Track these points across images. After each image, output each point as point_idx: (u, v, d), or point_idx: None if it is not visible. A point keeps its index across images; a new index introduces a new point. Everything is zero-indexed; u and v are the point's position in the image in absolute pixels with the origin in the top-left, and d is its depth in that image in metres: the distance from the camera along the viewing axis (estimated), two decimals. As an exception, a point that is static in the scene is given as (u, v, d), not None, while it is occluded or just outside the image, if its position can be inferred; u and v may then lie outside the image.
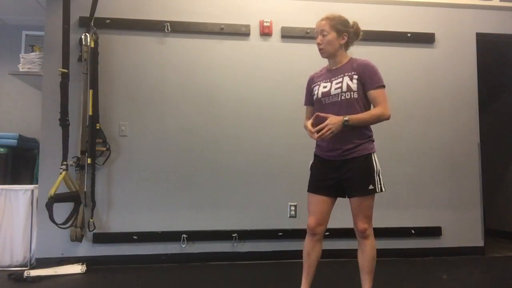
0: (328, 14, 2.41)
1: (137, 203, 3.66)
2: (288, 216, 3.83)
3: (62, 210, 3.52)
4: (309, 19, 4.02)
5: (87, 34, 3.58)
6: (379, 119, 2.23)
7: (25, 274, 3.10)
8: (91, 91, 3.56)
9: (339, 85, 2.29)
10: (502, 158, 5.08)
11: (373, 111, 2.23)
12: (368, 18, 4.07)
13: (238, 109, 3.88)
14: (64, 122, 3.36)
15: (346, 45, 2.40)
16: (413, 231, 3.92)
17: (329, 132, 2.13)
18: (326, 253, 3.86)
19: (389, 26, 4.10)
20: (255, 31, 3.93)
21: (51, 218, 3.10)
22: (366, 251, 2.30)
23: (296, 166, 3.85)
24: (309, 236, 2.39)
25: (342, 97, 2.26)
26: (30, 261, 3.50)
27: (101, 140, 3.60)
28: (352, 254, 3.80)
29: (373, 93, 2.25)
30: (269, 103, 3.90)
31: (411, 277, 3.28)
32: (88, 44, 3.57)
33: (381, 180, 2.25)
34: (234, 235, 3.71)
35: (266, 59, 3.94)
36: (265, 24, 3.93)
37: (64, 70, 3.30)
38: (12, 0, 4.14)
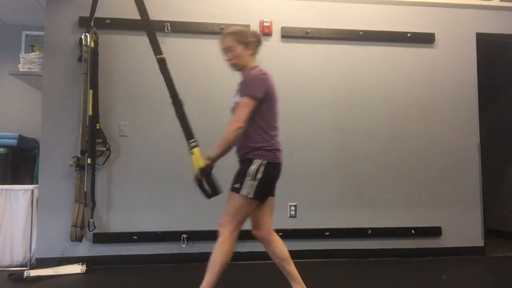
0: (227, 31, 2.44)
1: (137, 203, 3.66)
2: (288, 216, 3.83)
3: (62, 210, 3.53)
4: (309, 19, 4.03)
5: (87, 34, 3.58)
6: (230, 134, 2.21)
7: (25, 274, 3.10)
8: (91, 91, 3.56)
9: (234, 99, 2.35)
10: (502, 158, 5.08)
11: (225, 131, 2.25)
12: (368, 18, 4.08)
13: (238, 109, 3.87)
14: (178, 104, 3.11)
15: (253, 54, 2.43)
16: (413, 231, 3.92)
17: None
18: (326, 253, 3.89)
19: (389, 26, 4.10)
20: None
21: (207, 190, 2.59)
22: (214, 249, 2.28)
23: (296, 166, 3.86)
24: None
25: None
26: (30, 261, 3.50)
27: (101, 140, 3.59)
28: (352, 254, 3.83)
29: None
30: (269, 103, 3.89)
31: (411, 277, 3.28)
32: (88, 44, 3.56)
33: (253, 186, 2.21)
34: (234, 235, 3.70)
35: (266, 59, 3.90)
36: (265, 24, 3.92)
37: (161, 56, 3.09)
38: (12, 0, 4.14)
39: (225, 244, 2.26)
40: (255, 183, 2.20)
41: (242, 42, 2.33)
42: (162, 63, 3.02)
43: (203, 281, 2.19)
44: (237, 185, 2.23)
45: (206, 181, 2.43)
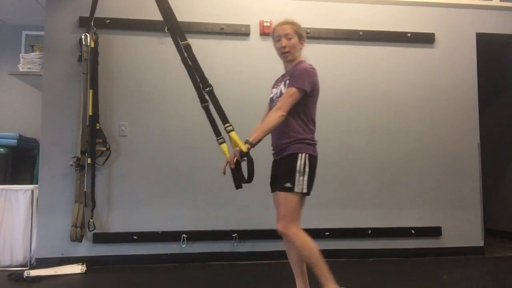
0: (287, 19, 2.40)
1: (137, 203, 3.66)
2: (288, 216, 3.82)
3: (62, 210, 3.52)
4: (309, 19, 4.03)
5: (87, 34, 3.58)
6: (274, 121, 2.22)
7: (25, 274, 3.10)
8: (91, 91, 3.56)
9: (276, 90, 2.38)
10: (502, 158, 5.08)
11: (269, 117, 2.26)
12: (368, 18, 4.08)
13: (238, 109, 3.86)
14: (208, 89, 3.02)
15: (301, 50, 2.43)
16: (413, 231, 3.92)
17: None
18: (326, 253, 3.88)
19: (389, 26, 4.09)
20: (255, 31, 3.93)
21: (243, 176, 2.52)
22: (296, 250, 2.30)
23: (296, 166, 3.86)
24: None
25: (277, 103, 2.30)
26: (30, 261, 3.50)
27: (101, 140, 3.59)
28: (352, 254, 3.83)
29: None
30: (269, 103, 3.90)
31: (411, 277, 3.28)
32: (88, 44, 3.56)
33: (304, 181, 2.23)
34: (234, 235, 3.71)
35: (266, 59, 3.93)
36: (265, 24, 3.93)
37: (186, 42, 2.98)
38: (12, 0, 4.14)
39: (300, 239, 2.24)
40: (305, 177, 2.24)
41: (298, 34, 2.35)
42: (188, 49, 2.91)
43: (318, 279, 2.22)
44: (288, 184, 2.22)
45: (246, 166, 2.39)
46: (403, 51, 4.11)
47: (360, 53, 4.06)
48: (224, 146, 2.60)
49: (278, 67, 3.92)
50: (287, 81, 2.30)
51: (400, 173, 3.99)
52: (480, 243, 4.03)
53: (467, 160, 4.09)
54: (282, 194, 2.26)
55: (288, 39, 2.33)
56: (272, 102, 2.41)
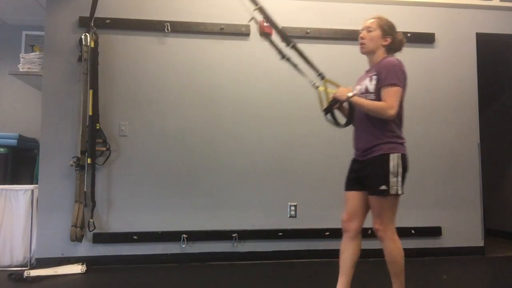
0: (378, 15, 2.41)
1: (137, 203, 3.66)
2: (288, 216, 3.83)
3: (62, 210, 3.52)
4: (309, 19, 4.03)
5: (87, 34, 3.58)
6: (379, 111, 2.19)
7: (25, 274, 3.10)
8: (91, 91, 3.56)
9: (360, 86, 2.34)
10: (502, 158, 5.08)
11: (378, 103, 2.21)
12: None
13: (238, 109, 3.88)
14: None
15: (388, 50, 2.37)
16: (413, 231, 3.92)
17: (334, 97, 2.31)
18: (326, 253, 3.89)
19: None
20: (255, 31, 3.92)
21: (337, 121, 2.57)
22: (385, 254, 2.28)
23: (296, 166, 3.86)
24: (343, 234, 2.40)
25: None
26: (30, 261, 3.50)
27: (101, 140, 3.59)
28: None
29: (382, 90, 2.22)
30: (269, 103, 3.90)
31: (411, 277, 3.26)
32: (88, 44, 3.56)
33: (398, 181, 2.20)
34: (234, 235, 3.71)
35: (266, 59, 3.93)
36: (265, 24, 3.91)
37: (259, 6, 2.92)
38: (12, 0, 4.14)
39: (394, 244, 2.26)
40: (399, 178, 2.20)
41: (382, 28, 2.33)
42: (262, 11, 2.85)
43: (394, 287, 2.24)
44: (383, 187, 2.18)
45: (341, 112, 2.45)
46: (403, 51, 3.99)
47: (360, 53, 4.05)
48: (322, 88, 2.51)
49: (278, 67, 3.94)
50: (374, 76, 2.26)
51: (400, 173, 3.99)
52: (480, 243, 4.03)
53: (467, 160, 4.09)
54: (377, 198, 2.23)
55: (368, 31, 2.34)
56: None
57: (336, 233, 3.82)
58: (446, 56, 4.16)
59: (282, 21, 3.93)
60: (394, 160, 2.19)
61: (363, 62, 4.06)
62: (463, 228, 4.01)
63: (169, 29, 3.78)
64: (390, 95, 2.18)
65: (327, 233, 3.82)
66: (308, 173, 3.89)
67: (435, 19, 4.18)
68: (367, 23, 2.37)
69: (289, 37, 2.81)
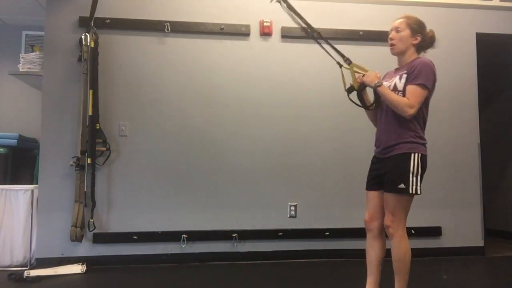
0: (406, 14, 2.41)
1: (137, 203, 3.66)
2: (288, 216, 3.83)
3: (62, 210, 3.52)
4: (309, 19, 4.01)
5: (87, 34, 3.58)
6: (399, 107, 2.19)
7: (25, 274, 3.10)
8: (91, 91, 3.56)
9: (389, 83, 2.33)
10: (502, 158, 5.08)
11: (401, 98, 2.22)
12: (368, 18, 4.07)
13: (238, 109, 3.88)
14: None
15: (418, 48, 2.37)
16: (413, 231, 3.90)
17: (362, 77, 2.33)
18: (326, 253, 3.89)
19: (389, 26, 4.03)
20: (255, 31, 3.93)
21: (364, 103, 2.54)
22: (392, 252, 2.27)
23: (296, 166, 3.86)
24: (367, 234, 2.40)
25: None
26: (30, 261, 3.50)
27: (101, 140, 3.59)
28: (352, 254, 3.82)
29: (408, 87, 2.23)
30: (269, 103, 3.90)
31: (411, 277, 3.26)
32: (88, 44, 3.56)
33: (418, 181, 2.21)
34: (234, 235, 3.71)
35: (266, 59, 3.94)
36: (265, 24, 3.93)
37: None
38: (12, 0, 4.14)
39: (403, 242, 2.25)
40: (418, 177, 2.22)
41: (411, 28, 2.32)
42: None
43: (397, 285, 2.23)
44: (402, 186, 2.19)
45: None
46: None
47: (360, 53, 4.03)
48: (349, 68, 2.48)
49: (278, 67, 3.95)
50: (404, 75, 2.26)
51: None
52: (480, 243, 4.03)
53: (467, 160, 4.09)
54: (395, 196, 2.23)
55: (397, 31, 2.34)
56: None
57: (336, 233, 3.85)
58: (446, 56, 4.15)
59: (282, 21, 3.96)
60: (415, 159, 2.22)
61: (363, 62, 4.07)
62: (463, 228, 4.01)
63: (169, 29, 3.78)
64: (415, 94, 2.20)
65: (327, 233, 3.83)
66: (308, 173, 3.89)
67: (435, 19, 4.18)
68: (396, 23, 2.37)
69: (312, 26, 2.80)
